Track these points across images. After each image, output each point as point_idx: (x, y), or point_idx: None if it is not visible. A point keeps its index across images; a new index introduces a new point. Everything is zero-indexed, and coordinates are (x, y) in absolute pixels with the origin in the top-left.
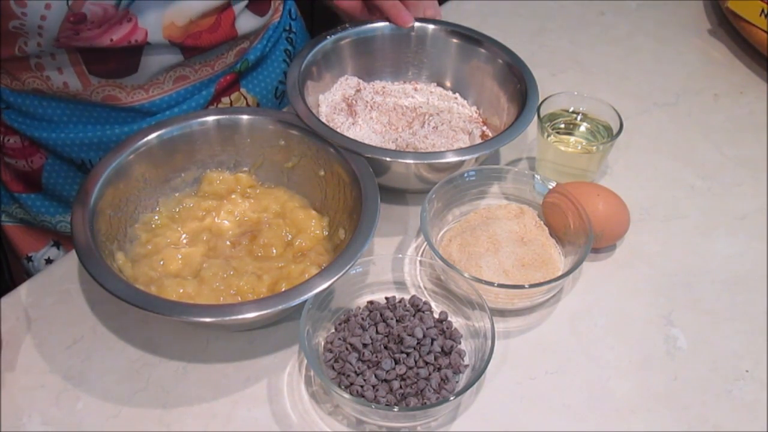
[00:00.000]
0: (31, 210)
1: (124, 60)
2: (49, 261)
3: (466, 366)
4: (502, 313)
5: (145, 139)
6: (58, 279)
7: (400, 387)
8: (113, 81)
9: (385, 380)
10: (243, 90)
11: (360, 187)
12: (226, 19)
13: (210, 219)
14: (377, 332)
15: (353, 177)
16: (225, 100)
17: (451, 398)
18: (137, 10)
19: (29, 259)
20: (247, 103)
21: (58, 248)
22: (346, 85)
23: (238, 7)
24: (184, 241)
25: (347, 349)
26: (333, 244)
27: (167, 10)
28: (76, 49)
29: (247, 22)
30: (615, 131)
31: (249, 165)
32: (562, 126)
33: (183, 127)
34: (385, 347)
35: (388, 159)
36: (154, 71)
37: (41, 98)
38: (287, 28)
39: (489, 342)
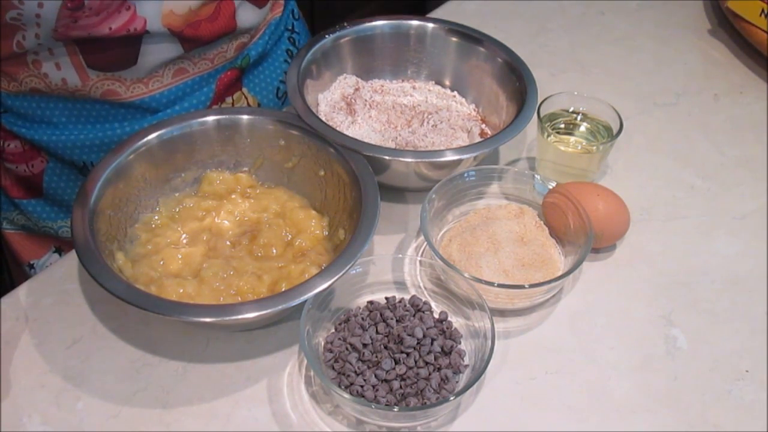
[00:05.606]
0: (32, 216)
1: (123, 51)
2: None
3: (466, 366)
4: (502, 313)
5: (145, 139)
6: (58, 279)
7: (400, 387)
8: (112, 74)
9: (385, 380)
10: (245, 89)
11: (360, 187)
12: (226, 10)
13: (210, 219)
14: (377, 332)
15: (353, 177)
16: (227, 99)
17: (451, 398)
18: None
19: (31, 266)
20: (248, 103)
21: (60, 255)
22: (345, 84)
23: None
24: (184, 241)
25: (347, 349)
26: (333, 244)
27: None
28: (74, 41)
29: (246, 14)
30: (615, 131)
31: (249, 165)
32: (562, 126)
33: (183, 127)
34: (385, 347)
35: (387, 157)
36: (153, 64)
37: (40, 99)
38: (289, 27)
39: (489, 342)
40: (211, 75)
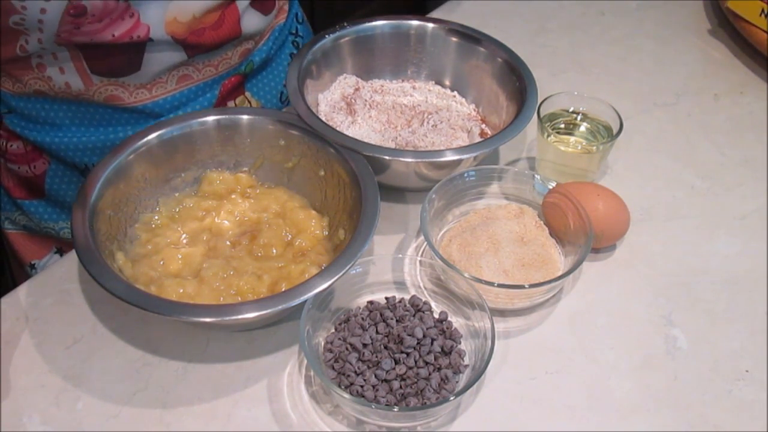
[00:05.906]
0: (33, 217)
1: (126, 57)
2: None
3: (466, 366)
4: (502, 313)
5: (145, 139)
6: (58, 279)
7: (400, 387)
8: (115, 80)
9: (385, 380)
10: (248, 93)
11: (360, 187)
12: (231, 17)
13: (210, 219)
14: (377, 332)
15: (353, 177)
16: (230, 103)
17: (451, 398)
18: (139, 4)
19: (33, 266)
20: (250, 106)
21: (61, 255)
22: (345, 84)
23: (242, 5)
24: (184, 241)
25: (347, 349)
26: (333, 244)
27: (170, 6)
28: (77, 46)
29: (251, 20)
30: (615, 131)
31: (249, 165)
32: (562, 126)
33: (183, 127)
34: (385, 347)
35: (387, 157)
36: (156, 70)
37: (44, 101)
38: (293, 31)
39: (489, 342)
40: (215, 81)
